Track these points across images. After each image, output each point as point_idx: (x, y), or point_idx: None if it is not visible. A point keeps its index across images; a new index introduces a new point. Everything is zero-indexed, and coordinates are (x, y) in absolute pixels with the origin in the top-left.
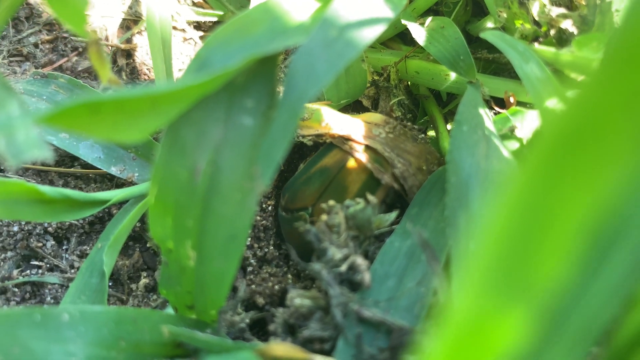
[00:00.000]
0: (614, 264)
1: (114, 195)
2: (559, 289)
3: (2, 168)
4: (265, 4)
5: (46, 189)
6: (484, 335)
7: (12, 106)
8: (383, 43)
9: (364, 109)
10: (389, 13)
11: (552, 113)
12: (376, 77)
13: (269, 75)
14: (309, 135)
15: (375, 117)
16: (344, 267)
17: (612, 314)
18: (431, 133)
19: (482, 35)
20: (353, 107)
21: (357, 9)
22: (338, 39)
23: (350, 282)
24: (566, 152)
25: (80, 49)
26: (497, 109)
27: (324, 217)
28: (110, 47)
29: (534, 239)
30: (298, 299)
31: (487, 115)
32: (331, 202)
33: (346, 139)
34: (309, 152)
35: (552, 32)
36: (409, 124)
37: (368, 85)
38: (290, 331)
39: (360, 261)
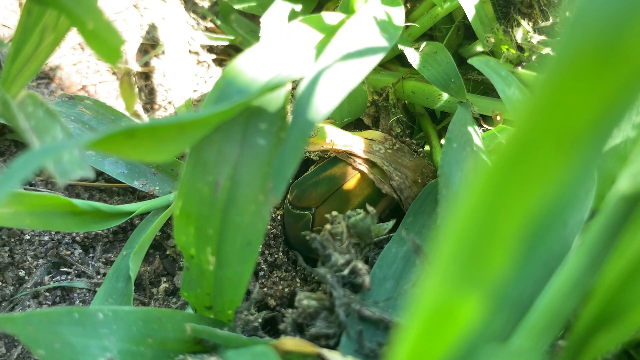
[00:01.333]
0: (569, 263)
1: (138, 207)
2: (505, 278)
3: (32, 183)
4: (276, 37)
5: (78, 202)
6: (446, 316)
7: (56, 130)
8: (382, 65)
9: (365, 127)
10: (385, 43)
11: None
12: (376, 97)
13: (280, 101)
14: (315, 151)
15: (375, 134)
16: (346, 271)
17: (572, 307)
18: (427, 148)
19: (469, 61)
20: (355, 125)
21: (356, 40)
22: (340, 69)
23: (352, 285)
24: (506, 172)
25: (102, 72)
26: (485, 126)
27: (328, 226)
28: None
29: (484, 238)
30: (305, 300)
31: (475, 133)
32: (334, 213)
33: (349, 154)
34: None
35: (534, 57)
36: (407, 140)
37: (368, 104)
38: (299, 329)
39: (360, 266)
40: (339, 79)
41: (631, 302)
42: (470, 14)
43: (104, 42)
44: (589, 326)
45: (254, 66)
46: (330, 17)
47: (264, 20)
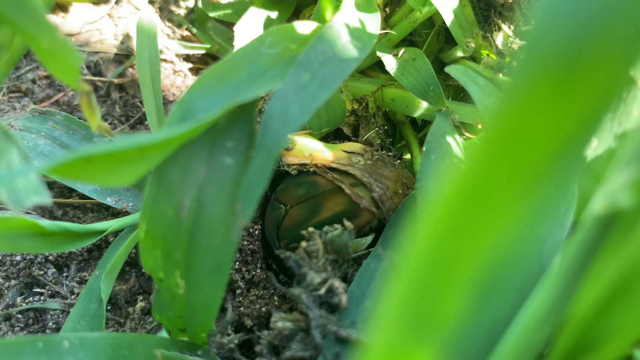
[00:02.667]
0: (538, 298)
1: (110, 225)
2: (458, 325)
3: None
4: (245, 48)
5: (46, 223)
6: None
7: (12, 154)
8: (362, 72)
9: (345, 136)
10: (358, 54)
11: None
12: (355, 106)
13: (248, 117)
14: (293, 165)
15: (354, 146)
16: (323, 291)
17: (546, 336)
18: (408, 156)
19: (446, 69)
20: (334, 135)
21: (328, 51)
22: (310, 83)
23: (329, 305)
24: (457, 215)
25: None
26: (467, 134)
27: (304, 244)
28: (103, 82)
29: (435, 285)
30: (280, 322)
31: (456, 142)
32: (310, 229)
33: (328, 168)
34: None
35: (515, 63)
36: (383, 152)
37: (348, 114)
38: (275, 352)
39: (337, 284)
40: (309, 93)
41: (607, 332)
42: (448, 18)
43: (61, 61)
44: (565, 356)
45: (221, 80)
46: (303, 26)
47: (237, 28)
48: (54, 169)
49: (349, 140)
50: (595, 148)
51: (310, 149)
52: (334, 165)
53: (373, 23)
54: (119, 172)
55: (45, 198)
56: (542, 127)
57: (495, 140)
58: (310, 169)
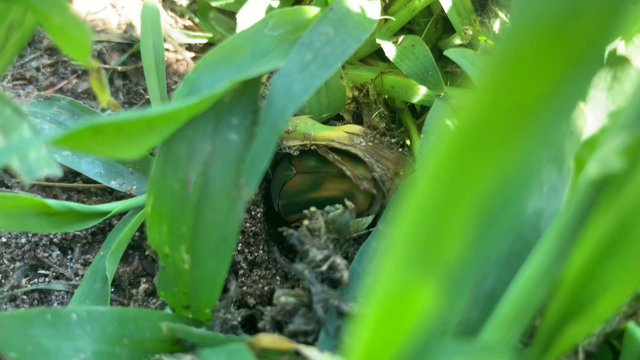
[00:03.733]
0: (538, 253)
1: (115, 207)
2: (460, 263)
3: (8, 185)
4: (249, 30)
5: (52, 202)
6: (402, 304)
7: (24, 128)
8: (362, 60)
9: (346, 123)
10: (359, 36)
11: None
12: (356, 93)
13: (252, 95)
14: (294, 146)
15: (355, 127)
16: (324, 267)
17: (542, 297)
18: (407, 142)
19: (446, 53)
20: (335, 121)
21: (329, 34)
22: (312, 62)
23: (331, 280)
24: (458, 153)
25: (80, 72)
26: None
27: (306, 222)
28: (107, 70)
29: (437, 224)
30: (283, 297)
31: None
32: (312, 209)
33: (329, 148)
34: None
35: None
36: (385, 138)
37: (348, 100)
38: (278, 327)
39: (339, 261)
40: (311, 72)
41: (598, 291)
42: (447, 6)
43: (72, 38)
44: (559, 317)
45: (226, 59)
46: (305, 10)
47: (240, 16)
48: (63, 139)
49: None
50: (590, 126)
51: (312, 130)
52: (334, 144)
53: (373, 9)
54: (126, 144)
55: (56, 170)
56: (535, 70)
57: (494, 82)
58: (311, 147)
